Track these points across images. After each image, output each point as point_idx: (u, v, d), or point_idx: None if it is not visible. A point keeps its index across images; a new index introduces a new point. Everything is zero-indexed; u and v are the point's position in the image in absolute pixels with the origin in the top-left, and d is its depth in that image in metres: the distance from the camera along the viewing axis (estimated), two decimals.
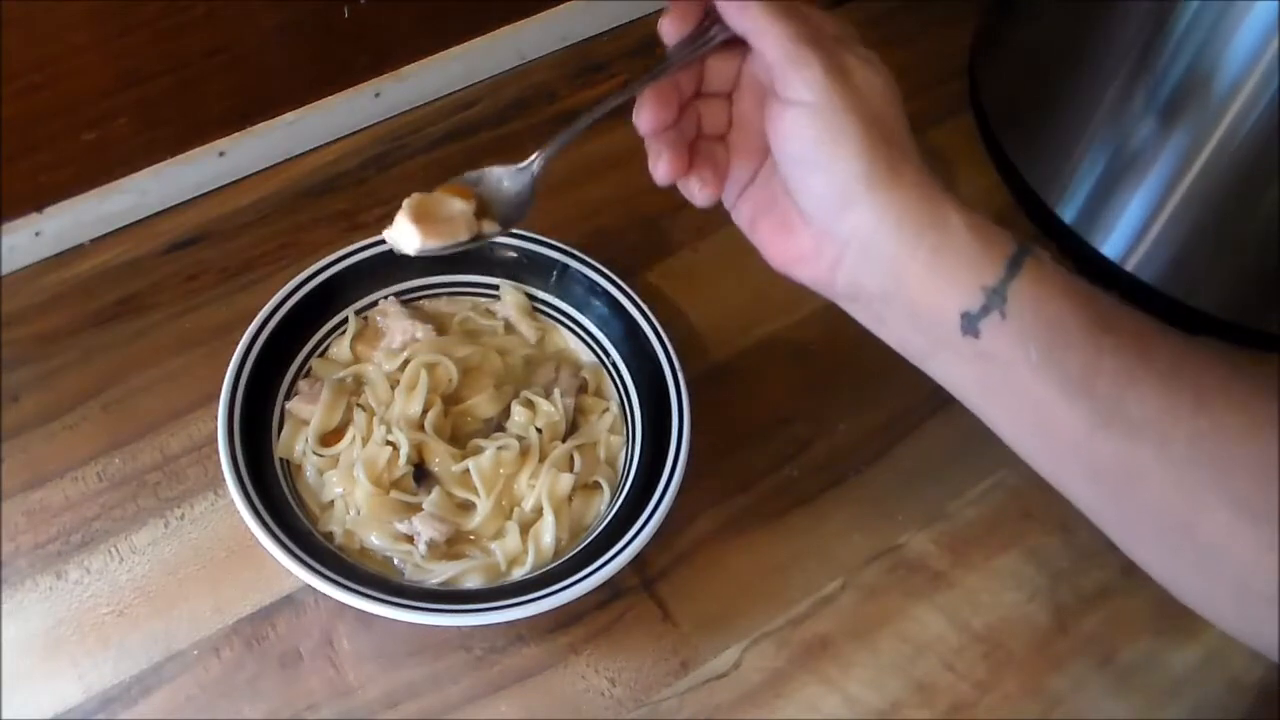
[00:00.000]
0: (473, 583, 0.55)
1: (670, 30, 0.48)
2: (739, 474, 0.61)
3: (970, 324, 0.43)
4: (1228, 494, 0.41)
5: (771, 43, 0.43)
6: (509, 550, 0.55)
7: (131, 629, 0.56)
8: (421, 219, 0.50)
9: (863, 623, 0.57)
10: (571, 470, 0.57)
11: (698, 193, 0.49)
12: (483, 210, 0.52)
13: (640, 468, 0.57)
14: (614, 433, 0.60)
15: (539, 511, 0.56)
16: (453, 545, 0.56)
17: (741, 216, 0.50)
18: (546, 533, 0.55)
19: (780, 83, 0.43)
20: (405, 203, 0.51)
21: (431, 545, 0.55)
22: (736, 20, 0.45)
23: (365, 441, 0.57)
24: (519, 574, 0.55)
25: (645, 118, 0.48)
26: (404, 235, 0.50)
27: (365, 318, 0.62)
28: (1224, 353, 0.43)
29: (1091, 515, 0.45)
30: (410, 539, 0.55)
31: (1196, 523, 0.41)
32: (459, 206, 0.51)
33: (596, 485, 0.58)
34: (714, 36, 0.47)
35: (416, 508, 0.56)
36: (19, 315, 0.65)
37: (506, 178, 0.53)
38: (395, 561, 0.56)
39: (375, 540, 0.55)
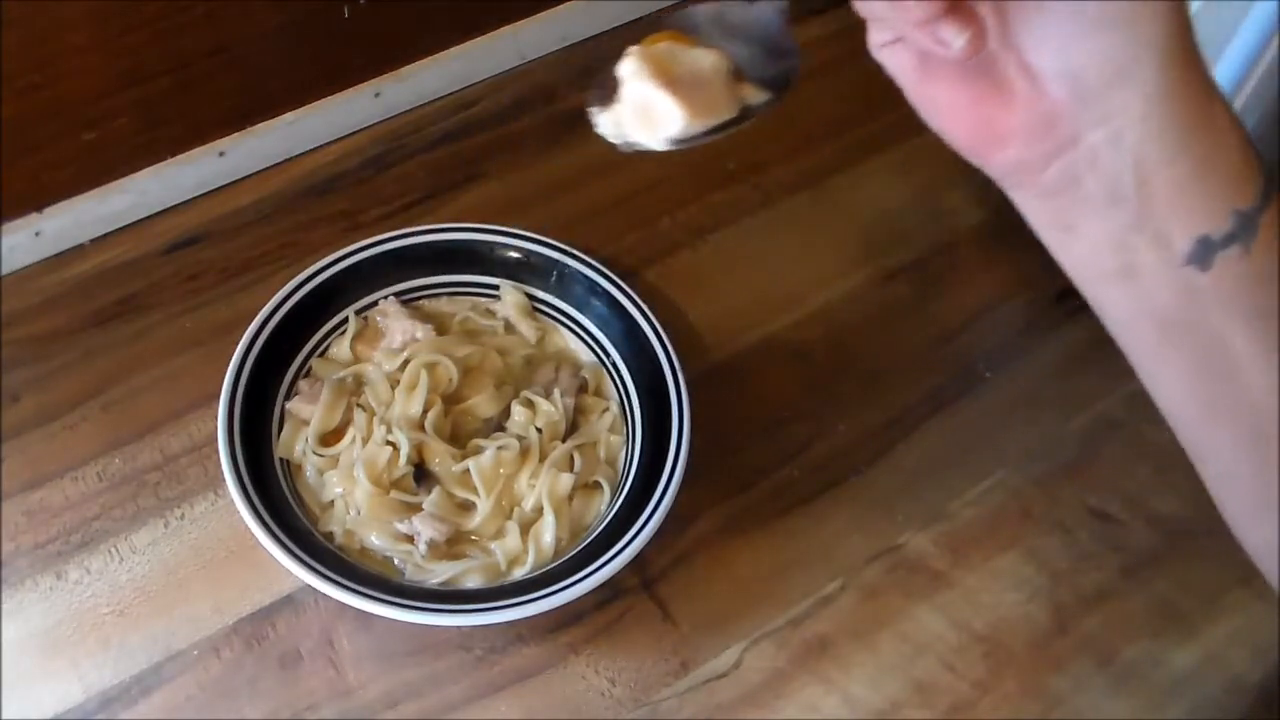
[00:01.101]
0: (473, 583, 0.55)
1: None
2: (739, 474, 0.61)
3: (1204, 252, 0.36)
4: None
5: None
6: (509, 550, 0.55)
7: (131, 629, 0.56)
8: (672, 84, 0.31)
9: (863, 623, 0.57)
10: (571, 470, 0.57)
11: (958, 43, 0.35)
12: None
13: (640, 468, 0.57)
14: (614, 432, 0.60)
15: (539, 511, 0.56)
16: (453, 545, 0.56)
17: (915, 76, 0.40)
18: (546, 532, 0.56)
19: None
20: (632, 59, 0.33)
21: (432, 545, 0.55)
22: None
23: (365, 441, 0.57)
24: (519, 574, 0.55)
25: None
26: (656, 113, 0.33)
27: (365, 318, 0.62)
28: None
29: (1178, 415, 0.40)
30: (410, 539, 0.55)
31: None
32: (710, 60, 0.35)
33: (597, 485, 0.58)
34: None
35: (416, 508, 0.56)
36: (19, 315, 0.65)
37: (743, 11, 0.35)
38: (395, 561, 0.56)
39: (375, 540, 0.55)
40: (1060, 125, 0.36)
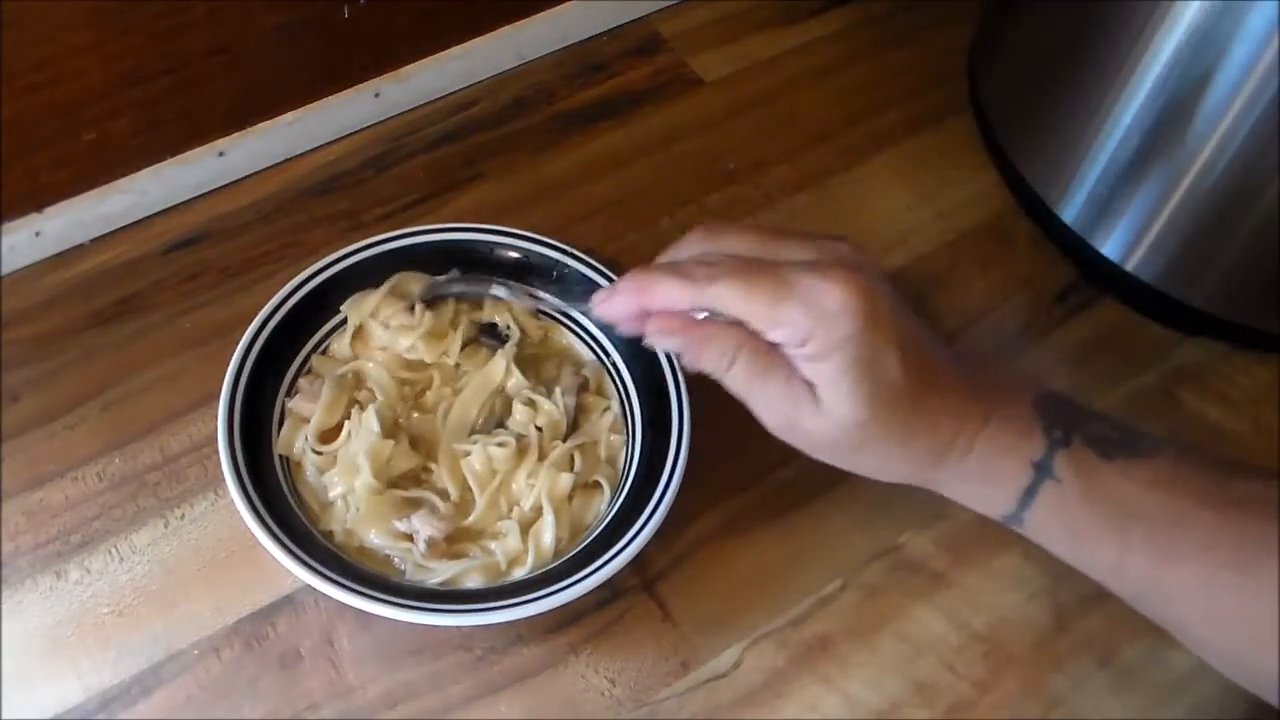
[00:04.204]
0: (473, 582, 0.55)
1: (606, 315, 0.50)
2: (739, 474, 0.61)
3: (1006, 523, 0.48)
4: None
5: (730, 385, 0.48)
6: (509, 550, 0.55)
7: (131, 629, 0.56)
8: None
9: (863, 623, 0.57)
10: (572, 470, 0.57)
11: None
12: None
13: (640, 468, 0.57)
14: (614, 432, 0.60)
15: (539, 511, 0.56)
16: (453, 544, 0.56)
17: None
18: (546, 532, 0.55)
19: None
20: None
21: (431, 543, 0.55)
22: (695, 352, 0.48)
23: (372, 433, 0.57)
24: (519, 574, 0.55)
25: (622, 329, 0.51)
26: None
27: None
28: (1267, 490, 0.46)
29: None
30: (409, 537, 0.55)
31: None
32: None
33: (597, 485, 0.58)
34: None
35: (416, 504, 0.56)
36: (19, 315, 0.65)
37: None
38: (395, 560, 0.55)
39: (375, 539, 0.55)
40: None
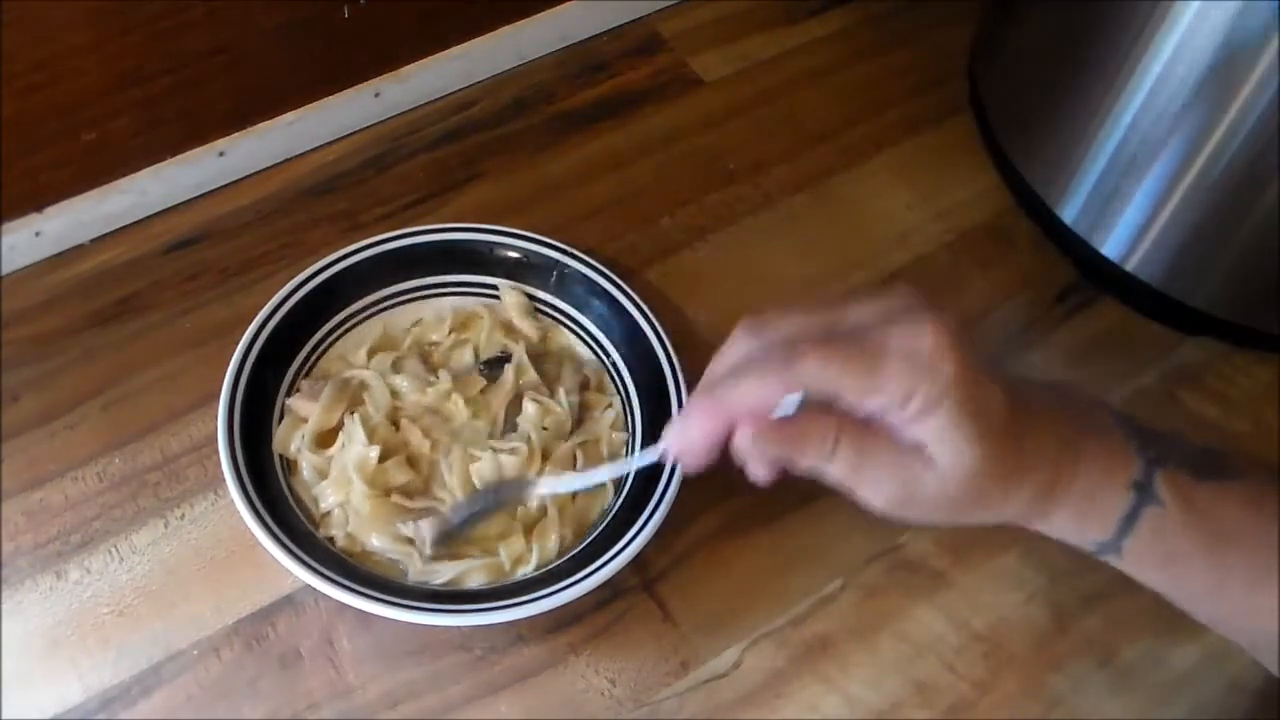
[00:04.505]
0: (476, 582, 0.55)
1: (687, 454, 0.45)
2: (739, 474, 0.60)
3: (1100, 553, 0.45)
4: None
5: (843, 481, 0.44)
6: (513, 550, 0.55)
7: (131, 629, 0.56)
8: None
9: (863, 623, 0.57)
10: (575, 468, 0.57)
11: (752, 475, 0.46)
12: None
13: (640, 468, 0.57)
14: (616, 429, 0.60)
15: (543, 510, 0.56)
16: (455, 545, 0.56)
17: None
18: (550, 531, 0.55)
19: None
20: None
21: (435, 547, 0.55)
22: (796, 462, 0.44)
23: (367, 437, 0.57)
24: (523, 573, 0.55)
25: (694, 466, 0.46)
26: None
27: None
28: None
29: None
30: (412, 540, 0.55)
31: None
32: None
33: (600, 483, 0.58)
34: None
35: (416, 511, 0.56)
36: (19, 315, 0.65)
37: None
38: (399, 563, 0.55)
39: (376, 542, 0.55)
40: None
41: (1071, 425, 0.44)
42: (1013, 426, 0.42)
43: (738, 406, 0.42)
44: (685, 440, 0.44)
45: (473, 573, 0.55)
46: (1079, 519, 0.44)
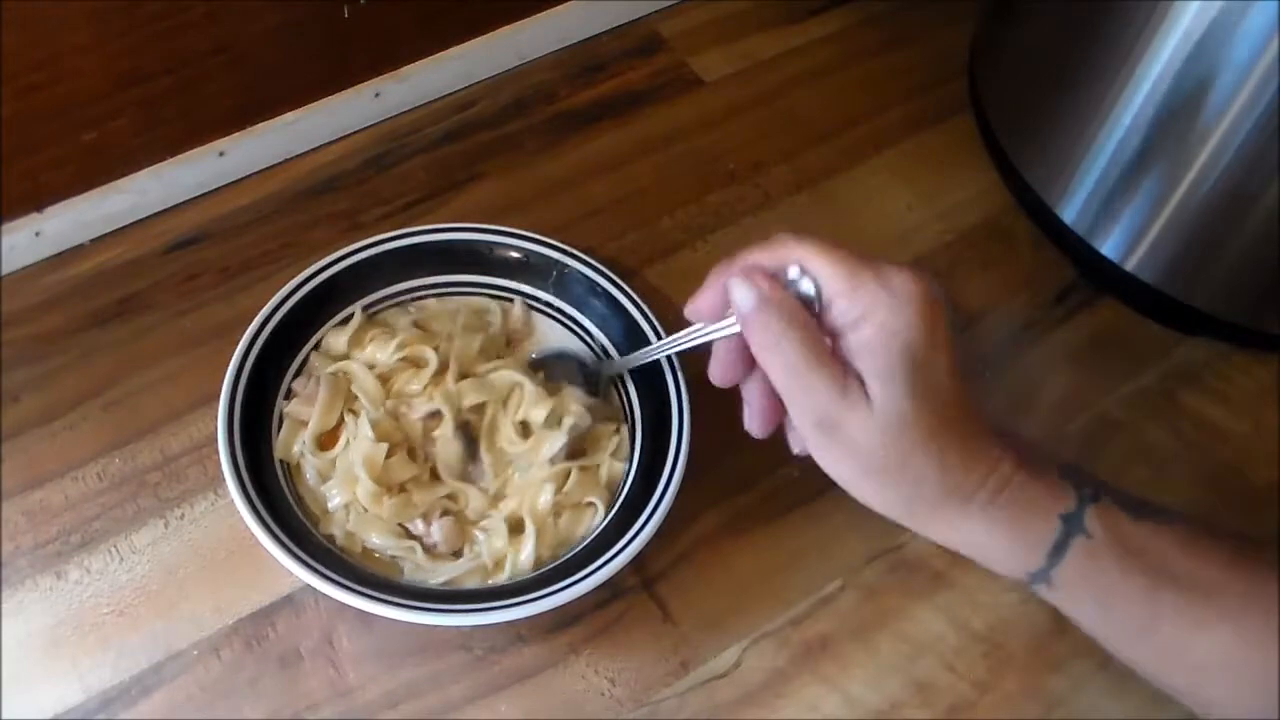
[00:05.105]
0: (471, 583, 0.55)
1: (696, 315, 0.50)
2: (739, 474, 0.61)
3: (1033, 582, 0.46)
4: None
5: (773, 380, 0.46)
6: (495, 549, 0.55)
7: (131, 629, 0.56)
8: None
9: (863, 623, 0.57)
10: (562, 488, 0.56)
11: (748, 424, 0.51)
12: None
13: (640, 467, 0.57)
14: (618, 458, 0.59)
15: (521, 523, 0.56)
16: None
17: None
18: (526, 544, 0.55)
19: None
20: None
21: (445, 542, 0.55)
22: (747, 336, 0.47)
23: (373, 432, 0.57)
24: (503, 577, 0.55)
25: (717, 378, 0.51)
26: None
27: (370, 316, 0.62)
28: None
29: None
30: (414, 536, 0.55)
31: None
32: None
33: (590, 504, 0.57)
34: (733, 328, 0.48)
35: (423, 509, 0.56)
36: (19, 315, 0.65)
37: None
38: (398, 560, 0.55)
39: (376, 540, 0.55)
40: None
41: (1009, 449, 0.46)
42: (951, 405, 0.44)
43: (738, 267, 0.47)
44: (698, 303, 0.49)
45: (469, 575, 0.55)
46: (1007, 541, 0.45)
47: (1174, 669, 0.45)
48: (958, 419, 0.45)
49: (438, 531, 0.55)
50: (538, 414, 0.57)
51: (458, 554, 0.56)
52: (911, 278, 0.44)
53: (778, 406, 0.48)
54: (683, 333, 0.52)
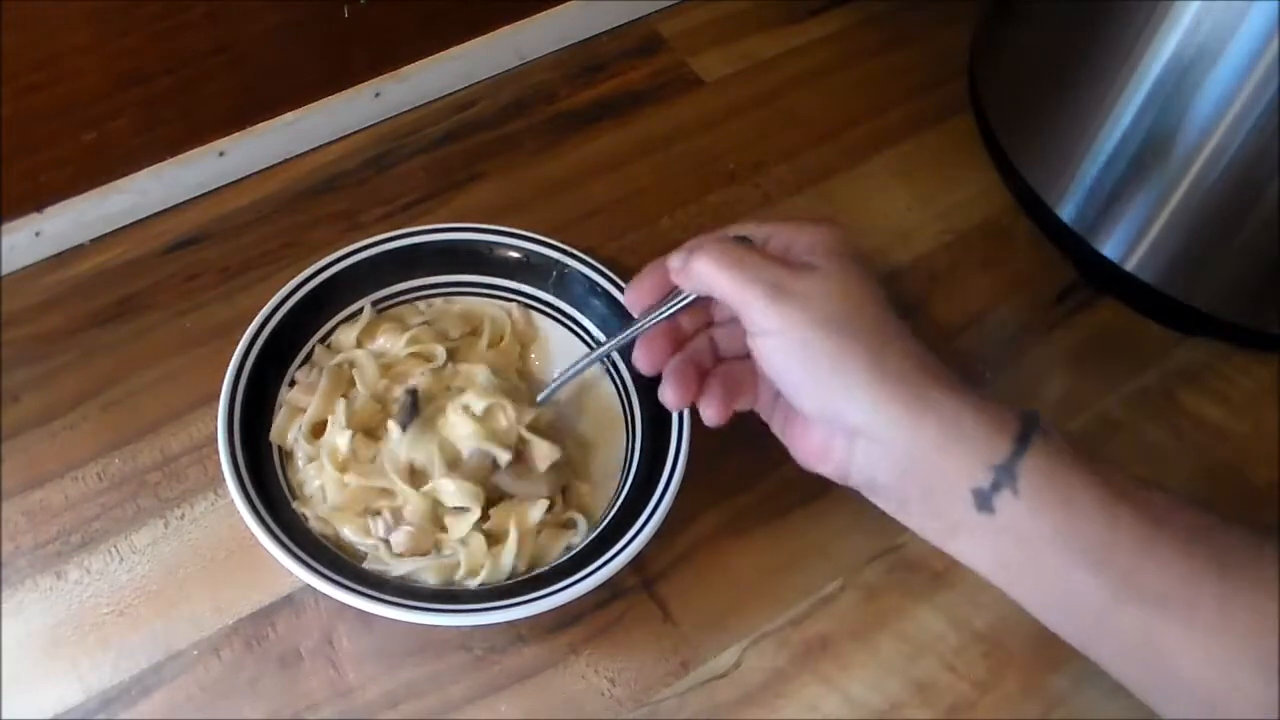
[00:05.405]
0: (429, 580, 0.54)
1: (635, 302, 0.54)
2: (739, 474, 0.61)
3: (984, 501, 0.44)
4: (1261, 662, 0.40)
5: (721, 293, 0.48)
6: (473, 558, 0.54)
7: (131, 629, 0.56)
8: None
9: (863, 623, 0.57)
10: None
11: (704, 414, 0.53)
12: None
13: (640, 468, 0.57)
14: (589, 482, 0.59)
15: (505, 532, 0.55)
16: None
17: (775, 424, 0.53)
18: (507, 555, 0.54)
19: (744, 322, 0.48)
20: None
21: (402, 544, 0.55)
22: (686, 284, 0.50)
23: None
24: (472, 583, 0.54)
25: (641, 363, 0.54)
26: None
27: (380, 312, 0.62)
28: (1240, 523, 0.44)
29: (1127, 686, 0.46)
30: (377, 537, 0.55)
31: (1229, 698, 0.41)
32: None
33: (571, 523, 0.56)
34: (683, 297, 0.51)
35: (390, 493, 0.55)
36: (19, 315, 0.65)
37: None
38: (361, 549, 0.55)
39: (349, 534, 0.55)
40: (836, 443, 0.48)
41: (957, 375, 0.46)
42: (887, 317, 0.47)
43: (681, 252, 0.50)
44: (636, 288, 0.53)
45: (426, 571, 0.54)
46: (975, 417, 0.44)
47: (1132, 597, 0.42)
48: (894, 335, 0.46)
49: (399, 538, 0.55)
50: (478, 406, 0.56)
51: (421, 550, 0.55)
52: (827, 225, 0.49)
53: (690, 385, 0.52)
54: (629, 329, 0.54)
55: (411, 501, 0.55)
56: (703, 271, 0.48)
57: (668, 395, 0.52)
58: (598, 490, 0.58)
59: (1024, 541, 0.44)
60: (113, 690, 0.54)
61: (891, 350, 0.45)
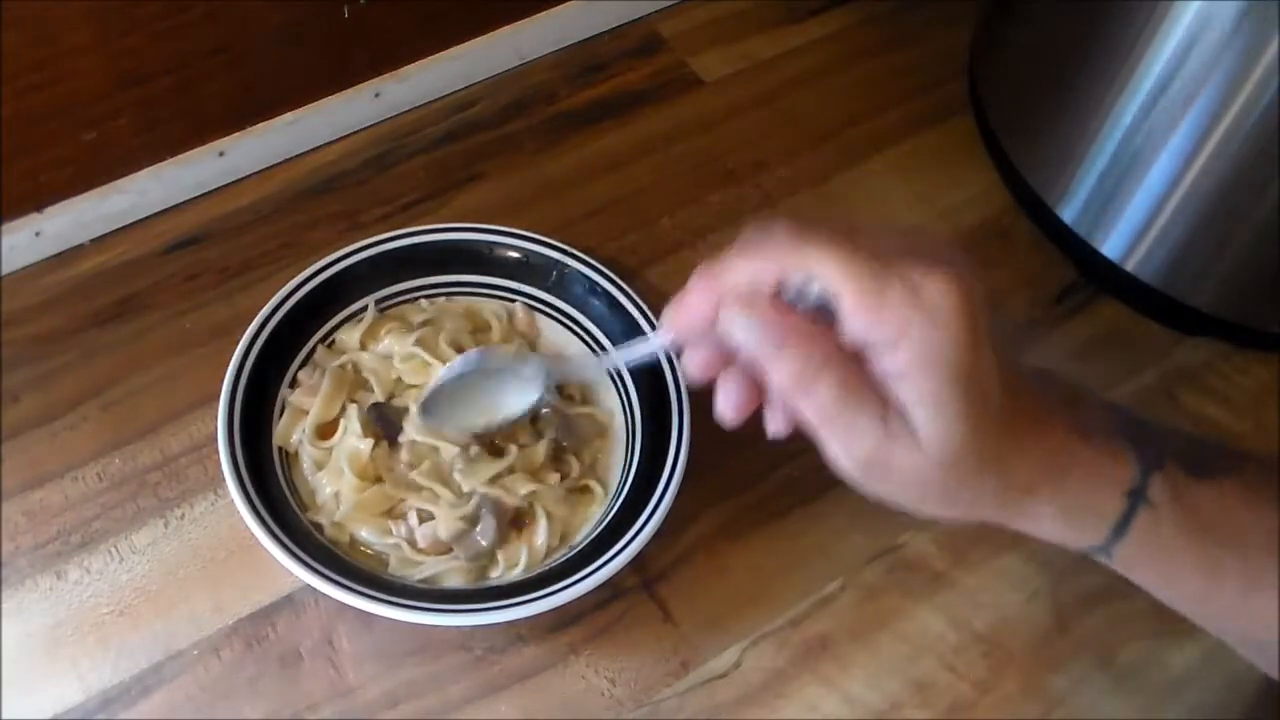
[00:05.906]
0: (455, 580, 0.54)
1: (680, 330, 0.42)
2: (739, 474, 0.61)
3: (1092, 554, 0.44)
4: None
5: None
6: (510, 554, 0.55)
7: (131, 629, 0.56)
8: None
9: (863, 623, 0.57)
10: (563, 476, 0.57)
11: (769, 426, 0.43)
12: None
13: (640, 468, 0.57)
14: (601, 436, 0.59)
15: (532, 514, 0.56)
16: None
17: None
18: (538, 535, 0.55)
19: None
20: None
21: (429, 542, 0.55)
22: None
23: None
24: (503, 577, 0.55)
25: (694, 374, 0.44)
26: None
27: (383, 312, 0.62)
28: None
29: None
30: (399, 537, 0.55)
31: None
32: None
33: (587, 489, 0.57)
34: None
35: (406, 510, 0.55)
36: (19, 315, 0.65)
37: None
38: (383, 554, 0.55)
39: (365, 534, 0.55)
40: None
41: (1070, 425, 0.42)
42: (1006, 417, 0.39)
43: (731, 278, 0.39)
44: (682, 317, 0.41)
45: (452, 573, 0.55)
46: (1068, 522, 0.43)
47: (1235, 626, 0.45)
48: (1014, 424, 0.40)
49: (422, 534, 0.55)
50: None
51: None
52: (945, 287, 0.37)
53: (757, 394, 0.43)
54: (620, 351, 0.49)
55: (445, 496, 0.55)
56: (783, 391, 0.39)
57: (730, 415, 0.43)
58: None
59: (1129, 574, 0.45)
60: (113, 690, 0.54)
61: (988, 498, 0.41)
